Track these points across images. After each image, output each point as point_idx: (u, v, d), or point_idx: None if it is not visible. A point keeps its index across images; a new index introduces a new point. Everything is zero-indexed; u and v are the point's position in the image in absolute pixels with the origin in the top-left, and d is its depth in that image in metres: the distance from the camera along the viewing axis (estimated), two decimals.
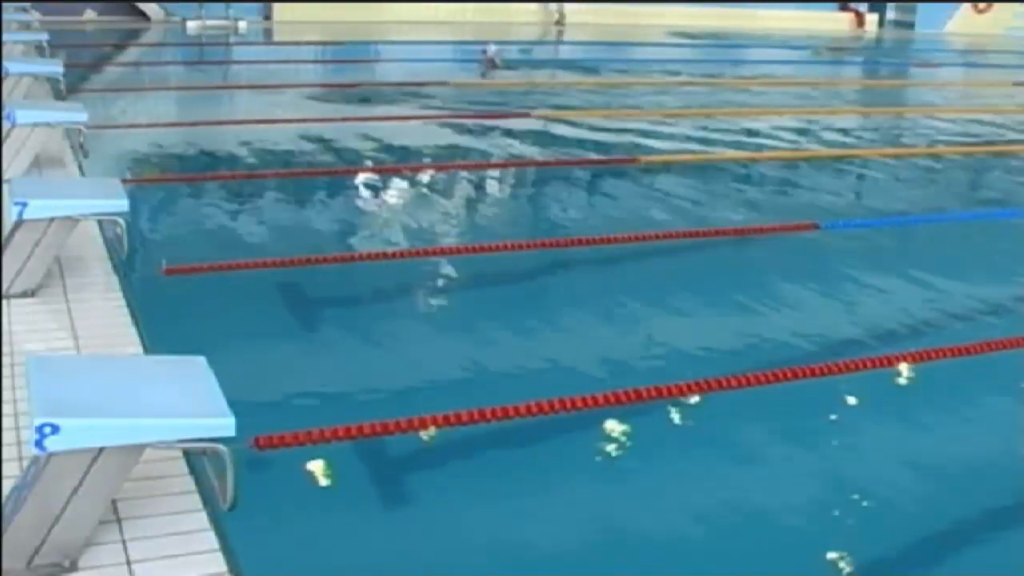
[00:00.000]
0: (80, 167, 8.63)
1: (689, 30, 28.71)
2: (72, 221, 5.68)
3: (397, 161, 11.33)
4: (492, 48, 17.10)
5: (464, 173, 10.83)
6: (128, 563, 3.31)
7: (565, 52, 25.60)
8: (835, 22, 33.46)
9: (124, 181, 6.51)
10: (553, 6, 28.55)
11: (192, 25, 24.00)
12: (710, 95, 17.28)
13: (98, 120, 9.84)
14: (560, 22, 28.48)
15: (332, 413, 4.98)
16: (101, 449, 3.18)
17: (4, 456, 3.76)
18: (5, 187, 5.96)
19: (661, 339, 6.44)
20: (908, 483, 4.80)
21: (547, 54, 24.95)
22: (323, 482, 4.52)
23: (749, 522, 4.37)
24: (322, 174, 10.46)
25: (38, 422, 3.05)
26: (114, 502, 3.47)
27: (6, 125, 7.90)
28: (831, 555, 4.14)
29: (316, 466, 4.52)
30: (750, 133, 13.57)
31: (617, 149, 12.19)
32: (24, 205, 5.43)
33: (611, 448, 5.09)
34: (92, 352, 4.90)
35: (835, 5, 34.24)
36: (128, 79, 16.87)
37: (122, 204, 5.71)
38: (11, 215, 5.46)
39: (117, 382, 3.47)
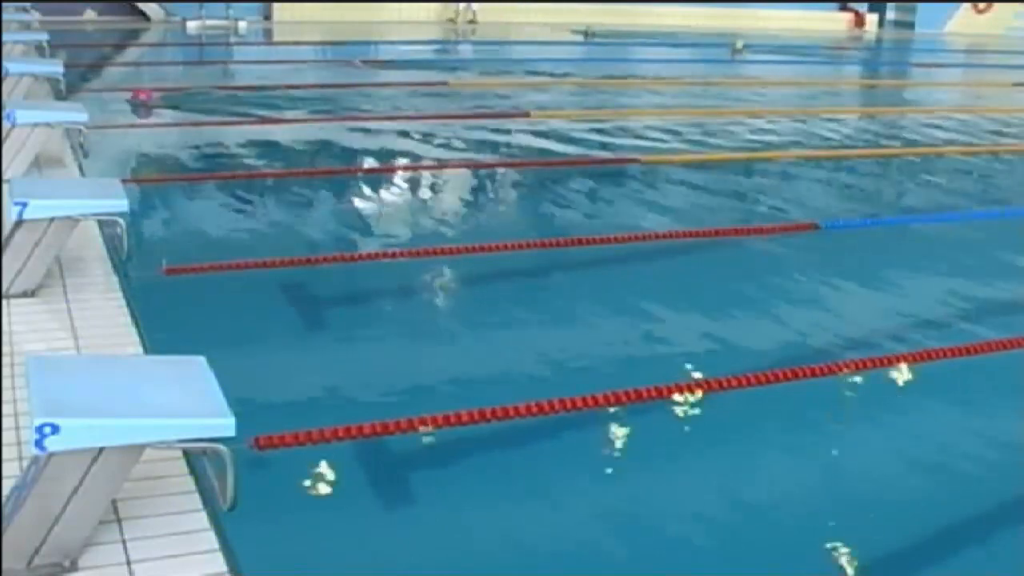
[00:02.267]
0: (80, 167, 8.63)
1: (688, 31, 28.71)
2: (72, 221, 5.67)
3: (397, 161, 11.33)
4: (359, 61, 17.26)
5: (464, 173, 10.83)
6: (128, 563, 3.31)
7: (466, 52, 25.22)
8: (835, 22, 33.45)
9: (124, 181, 6.51)
10: (462, 5, 28.23)
11: (192, 25, 24.00)
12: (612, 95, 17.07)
13: (98, 120, 9.84)
14: (472, 20, 28.15)
15: (332, 413, 4.98)
16: (101, 449, 3.18)
17: (4, 456, 3.76)
18: (5, 187, 5.96)
19: (661, 339, 6.44)
20: (908, 483, 4.80)
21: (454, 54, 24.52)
22: (323, 482, 4.52)
23: (750, 522, 4.37)
24: (322, 174, 10.46)
25: (38, 422, 3.05)
26: (114, 502, 3.47)
27: (6, 125, 7.90)
28: (832, 555, 4.14)
29: (316, 466, 4.52)
30: (749, 132, 13.58)
31: (617, 148, 12.19)
32: (24, 205, 5.43)
33: (611, 448, 5.09)
34: (92, 352, 4.90)
35: (835, 5, 34.23)
36: (128, 79, 16.86)
37: (122, 204, 5.71)
38: (11, 215, 5.46)
39: (117, 382, 3.47)
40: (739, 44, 23.76)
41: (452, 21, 28.10)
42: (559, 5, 29.11)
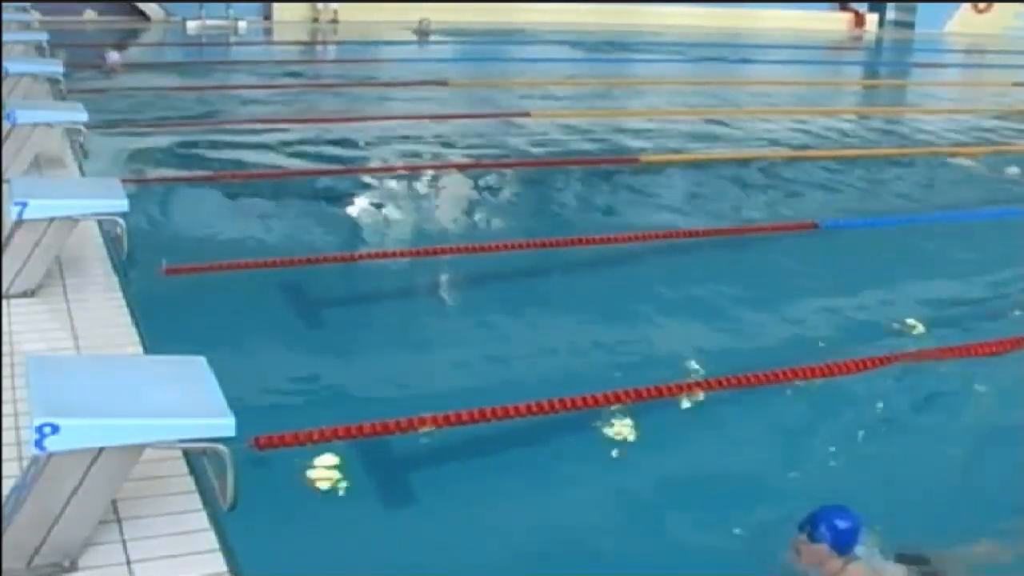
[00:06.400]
0: (80, 167, 8.62)
1: (689, 30, 28.70)
2: (72, 221, 5.67)
3: (397, 161, 11.33)
4: (114, 56, 16.95)
5: (464, 173, 10.83)
6: (128, 563, 3.31)
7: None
8: (835, 22, 33.46)
9: (124, 181, 6.51)
10: (321, 5, 27.74)
11: (192, 25, 24.01)
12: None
13: (98, 120, 9.83)
14: (333, 20, 27.61)
15: (332, 413, 4.98)
16: (101, 449, 3.18)
17: (4, 456, 3.76)
18: (5, 187, 5.96)
19: (661, 339, 6.44)
20: (908, 483, 4.80)
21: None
22: (323, 482, 4.52)
23: (749, 521, 4.36)
24: (322, 174, 10.46)
25: (38, 422, 3.05)
26: (114, 502, 3.47)
27: (6, 125, 7.89)
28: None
29: (316, 466, 4.52)
30: (747, 131, 13.59)
31: (617, 149, 12.20)
32: (24, 205, 5.43)
33: (611, 448, 5.09)
34: (92, 352, 4.90)
35: (835, 5, 34.22)
36: (128, 79, 16.85)
37: (122, 204, 5.70)
38: (11, 215, 5.46)
39: (117, 382, 3.46)
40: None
41: (315, 21, 27.50)
42: (562, 5, 29.08)
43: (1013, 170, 11.50)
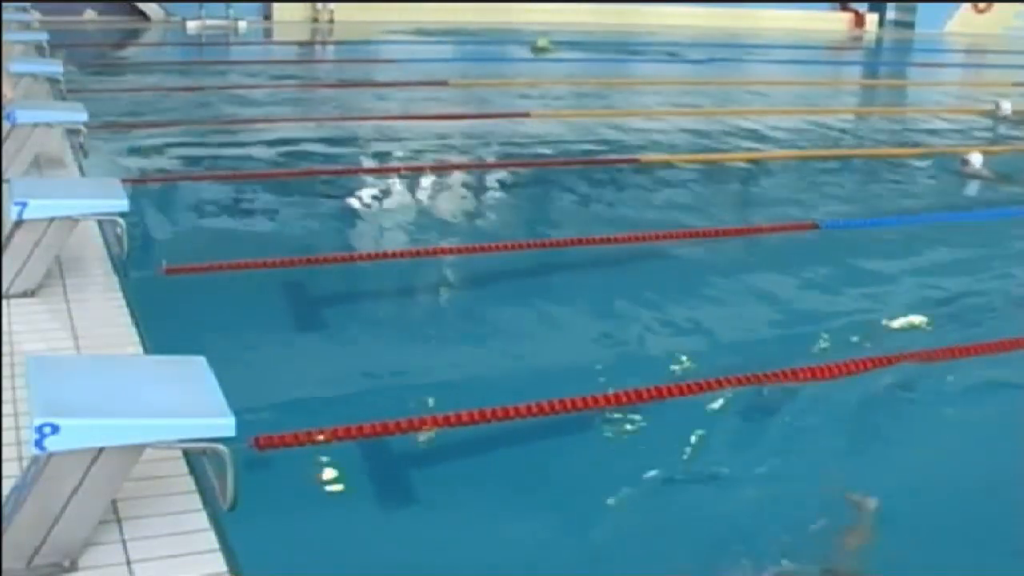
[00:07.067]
0: (80, 167, 8.62)
1: (689, 30, 28.71)
2: (72, 221, 5.67)
3: (397, 161, 11.33)
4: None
5: (464, 173, 10.83)
6: (128, 563, 3.31)
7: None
8: (835, 22, 33.46)
9: (124, 181, 6.51)
10: (319, 5, 27.64)
11: (192, 25, 24.01)
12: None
13: (98, 120, 9.83)
14: (330, 20, 27.51)
15: (332, 413, 4.98)
16: (101, 449, 3.18)
17: (4, 456, 3.76)
18: (5, 187, 5.96)
19: (661, 339, 6.44)
20: (909, 486, 4.80)
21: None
22: (323, 482, 4.52)
23: (751, 523, 4.36)
24: (322, 174, 10.45)
25: (38, 422, 3.05)
26: (114, 502, 3.47)
27: (6, 125, 7.89)
28: (829, 555, 4.13)
29: (316, 466, 4.52)
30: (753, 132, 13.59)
31: (617, 149, 12.20)
32: (24, 205, 5.43)
33: (611, 448, 5.09)
34: (92, 352, 4.90)
35: (835, 5, 34.22)
36: (128, 79, 16.86)
37: (122, 204, 5.71)
38: (11, 215, 5.46)
39: (117, 382, 3.47)
40: (542, 42, 21.86)
41: (315, 21, 27.46)
42: (562, 5, 29.08)
43: (975, 158, 11.49)
